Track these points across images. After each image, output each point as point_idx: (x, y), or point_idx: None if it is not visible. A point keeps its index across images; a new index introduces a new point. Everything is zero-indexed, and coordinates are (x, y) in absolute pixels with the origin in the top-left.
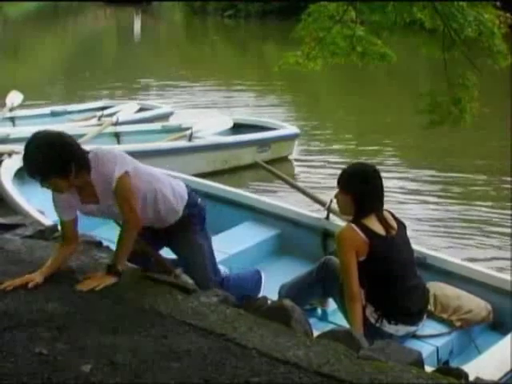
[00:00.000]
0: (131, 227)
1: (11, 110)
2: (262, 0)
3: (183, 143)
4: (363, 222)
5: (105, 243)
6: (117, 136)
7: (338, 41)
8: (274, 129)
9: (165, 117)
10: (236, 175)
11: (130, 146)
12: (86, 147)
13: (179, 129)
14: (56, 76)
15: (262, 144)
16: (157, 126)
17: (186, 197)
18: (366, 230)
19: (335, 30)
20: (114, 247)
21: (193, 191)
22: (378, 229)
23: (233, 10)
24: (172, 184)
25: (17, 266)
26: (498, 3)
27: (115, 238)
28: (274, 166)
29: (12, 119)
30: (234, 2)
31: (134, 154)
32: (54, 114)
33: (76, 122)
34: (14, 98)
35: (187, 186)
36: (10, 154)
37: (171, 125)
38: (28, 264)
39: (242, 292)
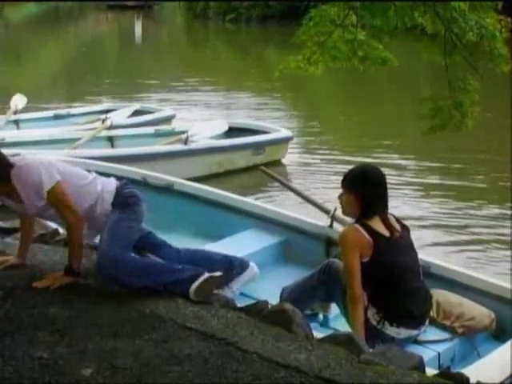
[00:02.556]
0: (75, 227)
1: (15, 113)
2: (265, 0)
3: (179, 147)
4: (367, 222)
5: None
6: (110, 140)
7: (339, 45)
8: (268, 132)
9: (167, 120)
10: (231, 178)
11: (125, 150)
12: (81, 151)
13: (172, 132)
14: (58, 79)
15: (257, 147)
16: (150, 129)
17: (114, 191)
18: (370, 231)
19: (336, 34)
20: None
21: (127, 185)
22: (382, 230)
23: (234, 15)
24: (104, 182)
25: (18, 269)
26: (499, 7)
27: None
28: (268, 169)
29: (16, 122)
30: (235, 1)
31: (130, 158)
32: (57, 117)
33: (78, 126)
34: (18, 101)
35: (122, 179)
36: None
37: (164, 128)
38: (29, 267)
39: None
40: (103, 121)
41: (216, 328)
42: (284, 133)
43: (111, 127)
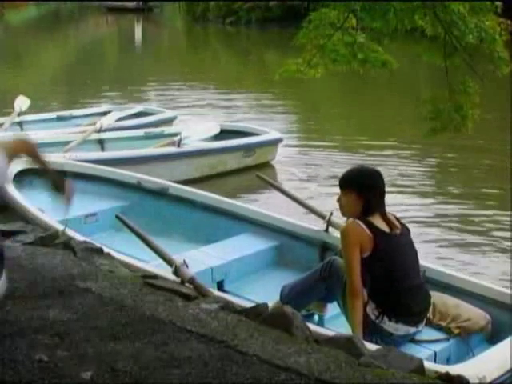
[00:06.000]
0: None
1: (19, 114)
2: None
3: (172, 149)
4: (368, 219)
5: (106, 250)
6: (101, 143)
7: (339, 48)
8: (258, 134)
9: (169, 121)
10: (222, 180)
11: (119, 153)
12: (76, 154)
13: (162, 135)
14: (58, 82)
15: (248, 149)
16: (140, 132)
17: None
18: (371, 226)
19: (336, 37)
20: (115, 254)
21: None
22: (382, 226)
23: (234, 17)
24: None
25: (18, 272)
26: (499, 10)
27: (116, 245)
28: (259, 171)
29: (20, 124)
30: (236, 0)
31: (124, 161)
32: (59, 119)
33: (81, 127)
34: (22, 102)
35: None
36: None
37: (154, 131)
38: (29, 271)
39: None
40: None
41: (216, 330)
42: (273, 135)
43: (101, 130)
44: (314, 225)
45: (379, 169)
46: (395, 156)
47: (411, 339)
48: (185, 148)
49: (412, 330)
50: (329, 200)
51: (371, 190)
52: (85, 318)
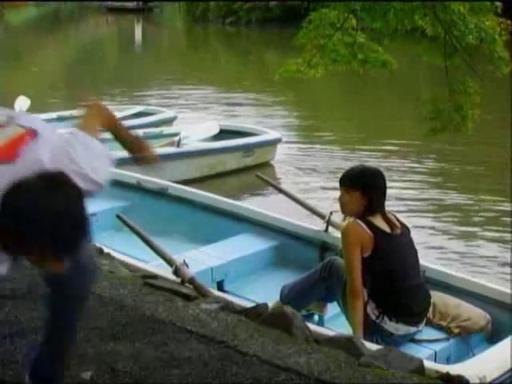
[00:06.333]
0: None
1: None
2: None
3: (172, 149)
4: (369, 219)
5: (106, 250)
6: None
7: (339, 48)
8: (257, 134)
9: (169, 121)
10: (222, 180)
11: (119, 153)
12: None
13: (161, 135)
14: (58, 82)
15: (247, 149)
16: (139, 132)
17: None
18: (371, 226)
19: (336, 37)
20: (115, 254)
21: None
22: (383, 226)
23: (234, 18)
24: None
25: (18, 272)
26: (499, 10)
27: (116, 245)
28: (259, 171)
29: None
30: (236, 0)
31: (124, 161)
32: (60, 119)
33: None
34: (22, 103)
35: None
36: None
37: (154, 131)
38: (29, 271)
39: None
40: None
41: (216, 331)
42: (273, 135)
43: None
44: (314, 225)
45: (379, 166)
46: (395, 154)
47: (411, 339)
48: (184, 148)
49: (412, 329)
50: (329, 199)
51: (374, 189)
52: (84, 318)
